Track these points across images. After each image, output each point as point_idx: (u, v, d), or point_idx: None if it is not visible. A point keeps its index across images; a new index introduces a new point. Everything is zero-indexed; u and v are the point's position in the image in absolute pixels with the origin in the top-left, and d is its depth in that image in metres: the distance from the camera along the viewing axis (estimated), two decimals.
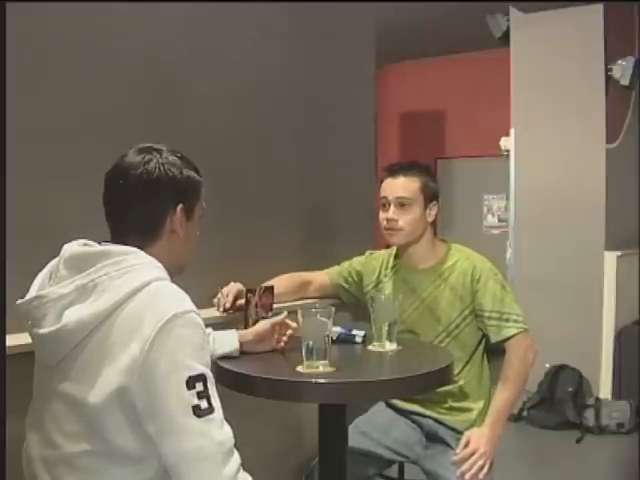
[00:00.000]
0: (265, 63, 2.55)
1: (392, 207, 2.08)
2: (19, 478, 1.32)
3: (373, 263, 2.26)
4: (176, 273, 1.36)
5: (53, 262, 1.32)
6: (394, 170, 2.12)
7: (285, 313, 1.82)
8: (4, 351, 1.37)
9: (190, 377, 1.17)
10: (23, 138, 1.67)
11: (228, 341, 1.71)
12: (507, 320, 2.01)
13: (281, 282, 2.20)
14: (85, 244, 1.31)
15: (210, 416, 1.17)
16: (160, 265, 1.29)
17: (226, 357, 1.68)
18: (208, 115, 2.29)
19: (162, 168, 1.31)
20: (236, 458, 1.20)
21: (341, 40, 3.00)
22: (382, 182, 2.14)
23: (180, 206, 1.34)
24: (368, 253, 2.33)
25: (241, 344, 1.72)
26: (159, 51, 2.10)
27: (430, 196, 2.11)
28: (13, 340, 1.46)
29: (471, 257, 2.11)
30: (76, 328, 1.19)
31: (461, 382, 2.05)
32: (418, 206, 2.08)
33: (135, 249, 1.27)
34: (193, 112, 2.24)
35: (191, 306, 1.23)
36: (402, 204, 2.07)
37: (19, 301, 1.27)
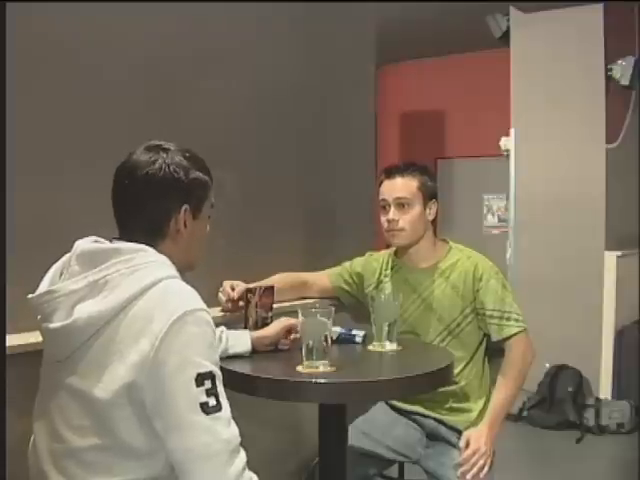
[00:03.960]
0: (265, 63, 2.55)
1: (392, 208, 2.08)
2: (20, 478, 1.32)
3: (373, 264, 2.26)
4: (185, 270, 1.37)
5: (64, 258, 1.32)
6: (390, 172, 2.12)
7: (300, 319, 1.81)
8: (4, 351, 1.38)
9: (199, 374, 1.18)
10: (23, 138, 1.67)
11: (241, 341, 1.72)
12: (508, 319, 2.02)
13: (278, 279, 2.20)
14: (96, 241, 1.32)
15: (218, 414, 1.18)
16: (170, 263, 1.30)
17: (228, 357, 1.69)
18: (208, 115, 2.29)
19: (167, 169, 1.31)
20: (242, 457, 1.21)
21: (341, 40, 3.00)
22: (380, 185, 2.14)
23: (185, 207, 1.34)
24: (368, 254, 2.32)
25: (253, 345, 1.74)
26: (160, 50, 2.10)
27: (429, 195, 2.11)
28: (13, 340, 1.46)
29: (472, 256, 2.12)
30: (86, 323, 1.20)
31: (462, 382, 2.06)
32: (418, 205, 2.08)
33: (146, 247, 1.28)
34: (194, 111, 2.24)
35: (201, 304, 1.24)
36: (401, 204, 2.08)
37: (30, 295, 1.27)
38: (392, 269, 2.21)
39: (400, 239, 2.11)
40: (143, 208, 1.31)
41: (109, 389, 1.17)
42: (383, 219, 2.12)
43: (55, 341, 1.25)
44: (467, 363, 2.07)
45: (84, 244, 1.30)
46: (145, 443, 1.20)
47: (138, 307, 1.20)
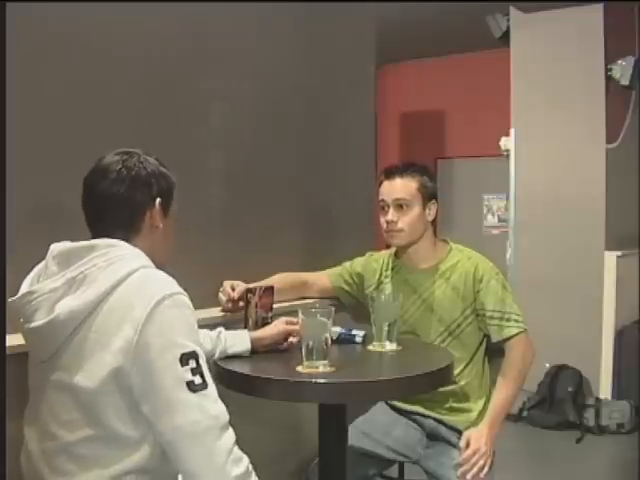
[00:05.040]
0: (265, 63, 2.55)
1: (391, 209, 2.09)
2: (19, 478, 1.32)
3: (373, 265, 2.26)
4: (157, 268, 1.37)
5: (40, 264, 1.35)
6: (390, 172, 2.12)
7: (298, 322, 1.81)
8: (4, 351, 1.38)
9: (183, 354, 1.21)
10: (24, 138, 1.67)
11: (240, 341, 1.73)
12: (508, 320, 2.02)
13: (278, 279, 2.20)
14: (71, 242, 1.34)
15: (204, 391, 1.21)
16: (145, 256, 1.33)
17: (228, 357, 1.69)
18: (208, 115, 2.29)
19: (139, 165, 1.36)
20: (231, 433, 1.23)
21: (341, 40, 3.00)
22: (380, 185, 2.14)
23: (158, 200, 1.38)
24: (369, 254, 2.32)
25: (252, 345, 1.74)
26: (160, 52, 2.10)
27: (428, 195, 2.11)
28: (13, 340, 1.46)
29: (473, 257, 2.12)
30: (68, 318, 1.22)
31: (462, 382, 2.06)
32: (417, 206, 2.08)
33: (120, 241, 1.31)
34: (194, 111, 2.23)
35: (179, 288, 1.28)
36: (400, 205, 2.08)
37: (10, 299, 1.29)
38: (392, 270, 2.21)
39: (399, 239, 2.11)
40: (117, 205, 1.34)
41: (96, 377, 1.19)
42: (382, 220, 2.12)
43: (38, 341, 1.27)
44: (467, 363, 2.07)
45: (59, 245, 1.33)
46: (134, 430, 1.22)
47: (117, 297, 1.23)
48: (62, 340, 1.23)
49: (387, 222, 2.09)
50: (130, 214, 1.35)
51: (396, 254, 2.22)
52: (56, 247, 1.32)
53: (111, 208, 1.34)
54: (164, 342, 1.20)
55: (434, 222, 2.16)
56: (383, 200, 2.12)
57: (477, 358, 2.10)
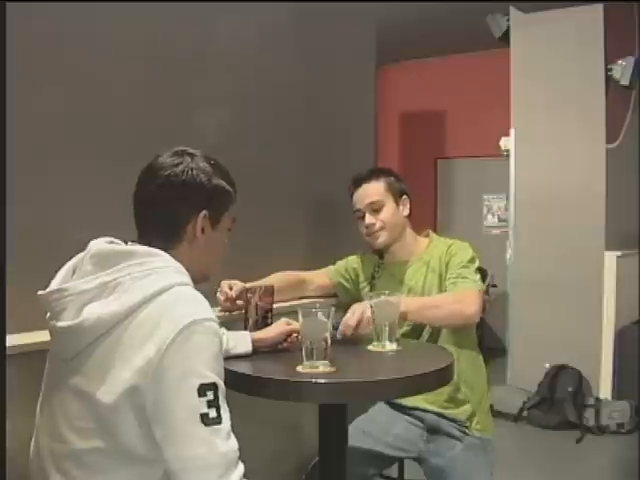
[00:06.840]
0: (266, 63, 2.55)
1: (367, 215, 2.16)
2: (20, 477, 1.32)
3: (366, 262, 2.32)
4: (199, 280, 1.36)
5: (78, 256, 1.31)
6: (357, 181, 2.20)
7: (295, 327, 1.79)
8: (4, 351, 1.38)
9: (202, 385, 1.16)
10: (23, 138, 1.67)
11: (242, 343, 1.72)
12: (465, 278, 2.03)
13: (277, 279, 2.21)
14: (112, 242, 1.32)
15: (217, 426, 1.16)
16: (184, 270, 1.30)
17: (228, 357, 1.69)
18: (209, 115, 2.29)
19: (190, 173, 1.32)
20: (239, 471, 1.19)
21: (341, 40, 3.00)
22: (351, 196, 2.21)
23: (204, 213, 1.34)
24: (361, 253, 2.36)
25: (253, 346, 1.73)
26: (161, 51, 2.10)
27: (398, 192, 2.19)
28: (13, 340, 1.46)
29: (449, 241, 2.18)
30: (94, 325, 1.19)
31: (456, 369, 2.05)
32: (390, 203, 2.16)
33: (161, 252, 1.28)
34: (195, 111, 2.24)
35: (211, 314, 1.23)
36: (374, 209, 2.15)
37: (40, 292, 1.26)
38: (380, 267, 2.26)
39: (382, 238, 2.17)
40: (162, 209, 1.32)
41: (113, 392, 1.17)
42: (362, 228, 2.19)
43: (62, 340, 1.25)
44: (457, 348, 2.03)
45: (99, 244, 1.29)
46: (145, 449, 1.19)
47: (147, 311, 1.20)
48: (85, 345, 1.21)
49: (367, 227, 2.16)
50: (172, 222, 1.32)
51: (381, 256, 2.27)
52: (94, 245, 1.29)
53: (155, 213, 1.32)
54: (185, 369, 1.16)
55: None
56: (358, 210, 2.19)
57: (467, 344, 2.10)
